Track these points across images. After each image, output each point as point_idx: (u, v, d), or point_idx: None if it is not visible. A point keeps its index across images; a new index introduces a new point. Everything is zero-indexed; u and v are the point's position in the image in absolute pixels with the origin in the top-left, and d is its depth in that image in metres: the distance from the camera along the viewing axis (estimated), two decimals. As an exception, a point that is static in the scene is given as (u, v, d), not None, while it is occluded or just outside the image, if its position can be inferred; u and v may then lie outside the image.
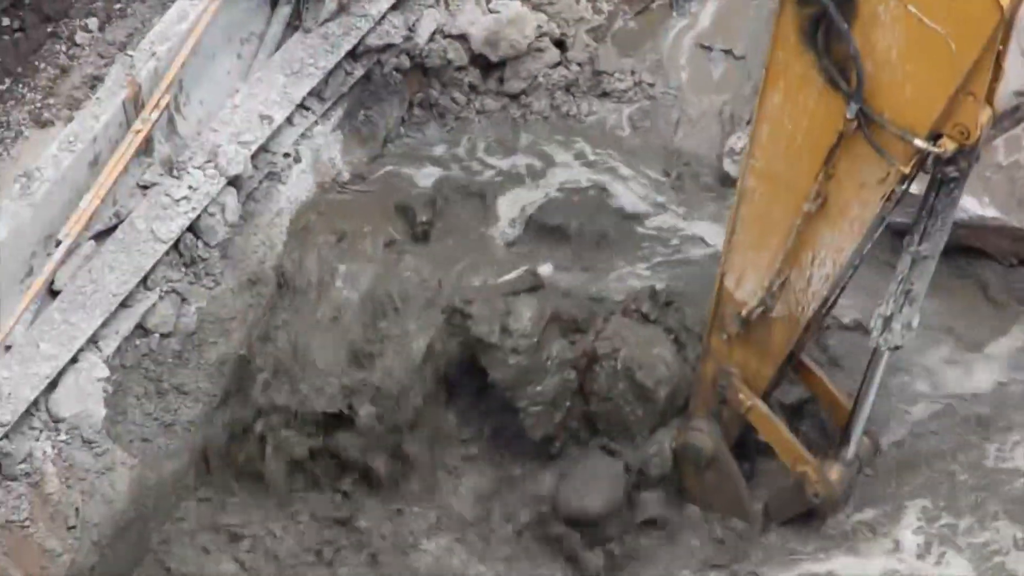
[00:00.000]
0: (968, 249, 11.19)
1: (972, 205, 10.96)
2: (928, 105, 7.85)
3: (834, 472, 9.91)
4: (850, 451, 9.94)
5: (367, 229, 10.72)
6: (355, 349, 10.29)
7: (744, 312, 9.25)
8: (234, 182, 10.90)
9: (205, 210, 10.76)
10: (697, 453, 9.98)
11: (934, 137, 7.90)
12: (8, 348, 9.97)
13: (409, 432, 10.38)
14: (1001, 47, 7.71)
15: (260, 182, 11.18)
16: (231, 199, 10.87)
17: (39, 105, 11.02)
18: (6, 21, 11.24)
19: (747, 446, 10.16)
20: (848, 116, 8.02)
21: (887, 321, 8.93)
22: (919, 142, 7.89)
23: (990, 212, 11.00)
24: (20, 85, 11.11)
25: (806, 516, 10.18)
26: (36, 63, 11.18)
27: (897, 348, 9.05)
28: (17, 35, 11.25)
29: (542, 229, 11.16)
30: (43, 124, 10.93)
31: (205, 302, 10.77)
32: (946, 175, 8.19)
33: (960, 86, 7.70)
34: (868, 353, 9.37)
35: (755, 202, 8.86)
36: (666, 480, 10.23)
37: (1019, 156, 11.09)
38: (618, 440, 10.25)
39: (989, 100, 7.91)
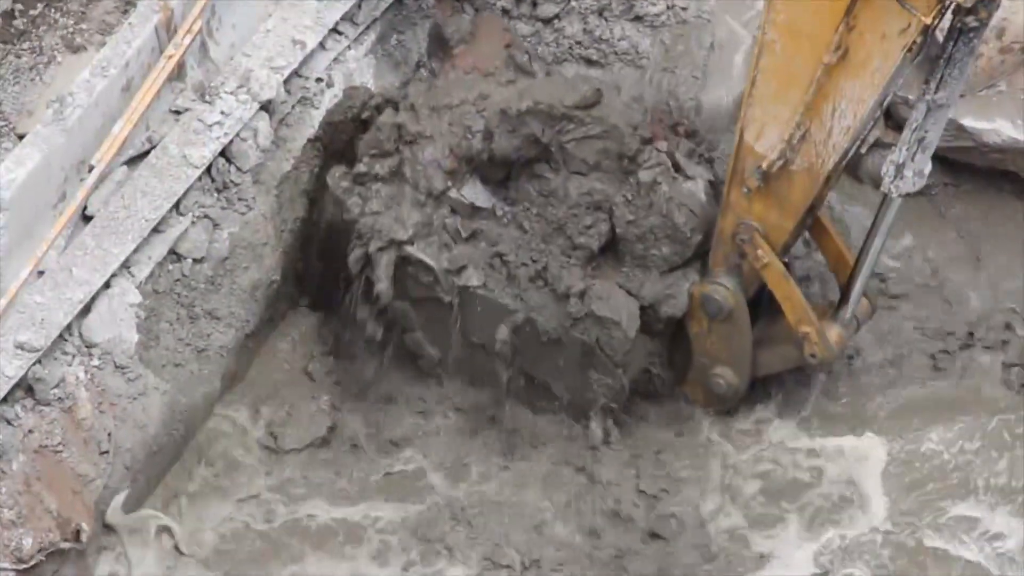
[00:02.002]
0: (1001, 174, 11.29)
1: (1006, 128, 11.05)
2: None
3: (833, 333, 10.12)
4: (848, 311, 10.16)
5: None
6: None
7: (764, 165, 9.40)
8: (266, 107, 10.96)
9: (238, 135, 10.81)
10: (718, 307, 10.18)
11: None
12: (41, 273, 10.06)
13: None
14: None
15: (293, 107, 11.22)
16: (263, 124, 10.93)
17: (71, 30, 11.06)
18: (38, -58, 11.21)
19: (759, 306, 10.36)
20: None
21: (899, 168, 9.07)
22: None
23: (1024, 135, 11.21)
24: (52, 10, 11.12)
25: (794, 371, 10.61)
26: (67, -13, 11.18)
27: (908, 195, 9.25)
28: (49, -43, 11.21)
29: None
30: (76, 49, 10.98)
31: (238, 227, 10.81)
32: (966, 24, 8.26)
33: None
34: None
35: (776, 55, 8.99)
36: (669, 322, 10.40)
37: (1054, 80, 11.30)
38: (632, 270, 10.36)
39: None
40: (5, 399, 9.78)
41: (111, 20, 11.06)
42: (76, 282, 10.16)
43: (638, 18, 11.56)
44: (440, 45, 11.47)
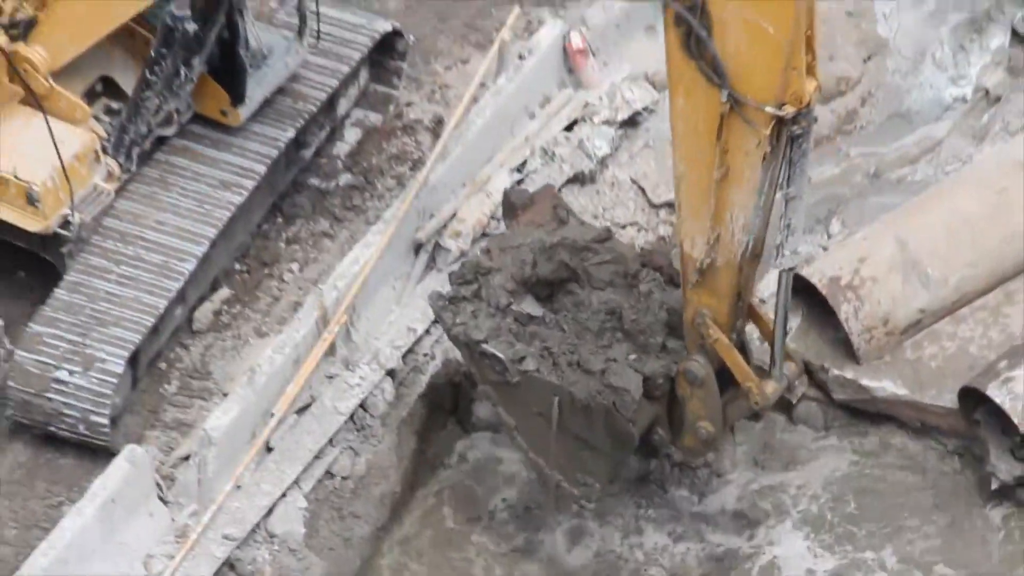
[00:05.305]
0: (887, 417, 12.81)
1: (889, 386, 12.61)
2: (770, 81, 8.95)
3: (768, 387, 10.89)
4: (776, 368, 10.88)
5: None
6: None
7: (698, 265, 10.09)
8: (391, 373, 12.50)
9: (371, 393, 12.37)
10: (694, 377, 10.90)
11: (781, 105, 8.97)
12: (239, 487, 11.65)
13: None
14: (809, 32, 8.97)
15: (408, 373, 12.72)
16: (388, 385, 12.53)
17: (260, 322, 12.86)
18: (238, 266, 13.21)
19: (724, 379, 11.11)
20: (723, 100, 9.00)
21: (779, 248, 9.88)
22: (770, 109, 8.94)
23: (901, 391, 12.59)
24: (247, 309, 12.96)
25: (750, 418, 11.57)
26: (257, 294, 13.03)
27: (791, 269, 10.07)
28: (244, 275, 13.19)
29: None
30: (262, 335, 12.73)
31: (372, 455, 12.20)
32: (793, 133, 9.12)
33: (785, 63, 8.87)
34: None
35: (687, 181, 9.69)
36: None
37: (920, 353, 12.75)
38: (638, 354, 11.24)
39: (812, 73, 9.05)
40: (216, 574, 11.39)
41: (286, 315, 12.84)
42: (263, 493, 11.71)
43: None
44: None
